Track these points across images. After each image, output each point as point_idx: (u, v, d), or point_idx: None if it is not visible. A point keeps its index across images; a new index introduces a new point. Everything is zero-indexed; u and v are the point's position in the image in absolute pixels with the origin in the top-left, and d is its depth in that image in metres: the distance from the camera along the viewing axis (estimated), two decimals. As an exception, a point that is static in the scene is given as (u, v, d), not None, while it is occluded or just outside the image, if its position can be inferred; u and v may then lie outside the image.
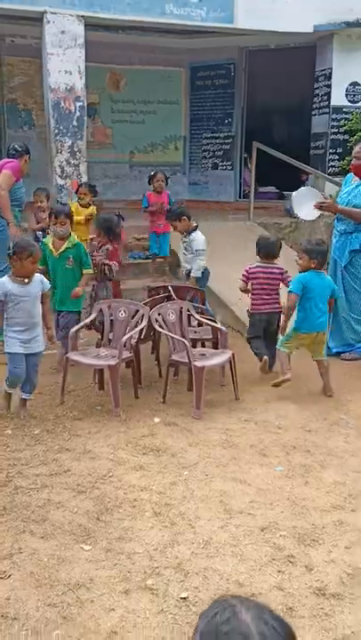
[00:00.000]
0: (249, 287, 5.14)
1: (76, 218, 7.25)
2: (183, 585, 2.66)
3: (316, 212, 5.79)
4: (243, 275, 5.17)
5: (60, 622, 2.46)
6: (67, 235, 5.20)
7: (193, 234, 5.80)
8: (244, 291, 5.19)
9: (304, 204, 5.84)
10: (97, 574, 2.74)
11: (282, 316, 4.94)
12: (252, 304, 5.17)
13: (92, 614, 2.50)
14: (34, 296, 4.31)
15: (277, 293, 5.16)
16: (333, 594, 2.60)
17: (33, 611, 2.52)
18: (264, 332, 5.15)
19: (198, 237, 5.80)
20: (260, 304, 5.13)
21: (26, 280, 4.28)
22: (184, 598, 2.57)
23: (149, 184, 7.85)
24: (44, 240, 5.48)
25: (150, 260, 7.99)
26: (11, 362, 4.33)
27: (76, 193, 7.54)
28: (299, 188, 6.97)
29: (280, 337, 4.93)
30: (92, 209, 7.43)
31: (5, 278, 4.33)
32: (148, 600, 2.58)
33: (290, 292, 4.77)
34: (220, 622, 0.95)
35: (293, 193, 6.07)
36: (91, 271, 5.31)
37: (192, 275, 5.85)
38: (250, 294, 5.17)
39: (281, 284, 5.15)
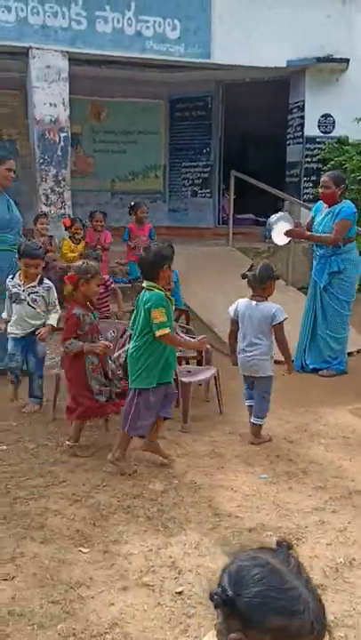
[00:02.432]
0: None
1: (70, 255, 7.54)
2: (178, 581, 2.85)
3: (287, 238, 6.16)
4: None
5: (64, 617, 2.62)
6: None
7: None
8: None
9: (278, 228, 6.18)
10: (96, 574, 2.91)
11: None
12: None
13: (93, 609, 2.67)
14: None
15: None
16: (318, 585, 2.79)
17: (37, 608, 2.68)
18: None
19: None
20: None
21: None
22: (179, 593, 2.76)
23: (130, 214, 8.13)
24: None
25: (131, 284, 8.16)
26: None
27: (68, 229, 7.78)
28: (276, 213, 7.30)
29: None
30: (83, 244, 7.72)
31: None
32: (145, 595, 2.76)
33: None
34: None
35: (271, 217, 6.39)
36: None
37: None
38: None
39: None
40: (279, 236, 6.14)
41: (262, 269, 4.40)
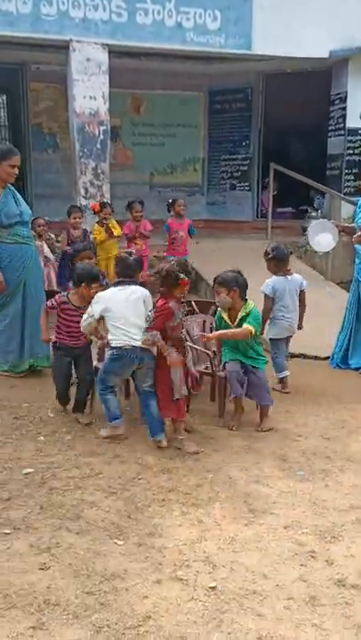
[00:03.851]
0: None
1: (100, 238, 7.65)
2: (212, 576, 2.84)
3: (331, 245, 6.08)
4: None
5: (98, 608, 2.64)
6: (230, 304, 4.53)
7: None
8: None
9: (318, 236, 6.10)
10: (130, 566, 2.92)
11: None
12: None
13: (127, 601, 2.68)
14: None
15: None
16: (353, 585, 2.77)
17: (73, 598, 2.70)
18: None
19: None
20: None
21: None
22: (213, 588, 2.75)
23: (169, 212, 8.14)
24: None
25: None
26: None
27: (96, 214, 7.88)
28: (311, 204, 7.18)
29: None
30: (112, 221, 7.80)
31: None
32: (179, 589, 2.76)
33: None
34: None
35: (308, 227, 6.31)
36: None
37: None
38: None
39: None
40: (321, 242, 6.10)
41: (286, 249, 5.33)
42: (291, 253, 5.38)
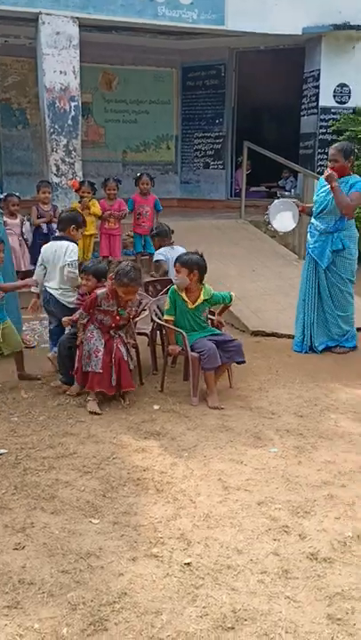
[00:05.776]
0: None
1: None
2: (186, 552, 2.87)
3: (292, 226, 6.07)
4: None
5: (74, 586, 2.65)
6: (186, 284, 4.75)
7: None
8: None
9: (279, 215, 6.08)
10: (105, 544, 2.94)
11: None
12: None
13: (103, 579, 2.70)
14: None
15: None
16: (325, 558, 2.82)
17: (48, 576, 2.71)
18: None
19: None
20: None
21: None
22: (188, 564, 2.78)
23: (136, 185, 8.15)
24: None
25: (135, 257, 8.12)
26: None
27: (76, 192, 7.78)
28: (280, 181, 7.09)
29: None
30: (93, 200, 7.69)
31: None
32: (154, 566, 2.79)
33: None
34: None
35: (269, 207, 6.23)
36: None
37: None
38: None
39: None
40: (281, 221, 6.10)
41: (167, 227, 6.36)
42: (173, 232, 6.30)
